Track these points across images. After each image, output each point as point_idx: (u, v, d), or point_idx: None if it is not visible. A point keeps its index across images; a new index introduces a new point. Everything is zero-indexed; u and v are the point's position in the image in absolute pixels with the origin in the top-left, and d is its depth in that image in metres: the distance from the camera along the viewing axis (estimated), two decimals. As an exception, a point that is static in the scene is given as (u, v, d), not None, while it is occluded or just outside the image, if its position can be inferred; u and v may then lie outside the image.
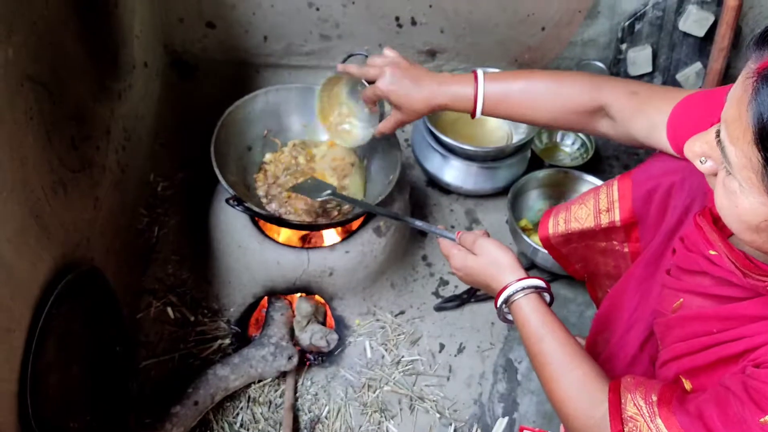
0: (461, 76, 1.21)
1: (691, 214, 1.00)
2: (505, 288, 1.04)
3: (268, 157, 1.55)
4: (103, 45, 1.42)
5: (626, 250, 1.16)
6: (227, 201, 1.29)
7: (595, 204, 1.16)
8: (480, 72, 1.19)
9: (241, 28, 1.92)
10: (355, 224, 1.49)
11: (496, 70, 1.51)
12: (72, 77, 1.24)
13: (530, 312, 1.01)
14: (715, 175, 0.75)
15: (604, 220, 1.14)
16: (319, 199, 1.36)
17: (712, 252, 0.87)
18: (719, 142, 0.71)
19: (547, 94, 1.14)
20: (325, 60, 2.02)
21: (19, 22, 1.01)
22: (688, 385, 0.90)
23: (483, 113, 1.19)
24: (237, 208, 1.28)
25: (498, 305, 1.05)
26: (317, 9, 1.87)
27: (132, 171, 1.58)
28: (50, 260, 1.11)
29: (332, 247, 1.44)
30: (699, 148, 0.76)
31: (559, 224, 1.23)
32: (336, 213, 1.47)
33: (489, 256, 1.08)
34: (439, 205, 1.79)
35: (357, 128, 1.46)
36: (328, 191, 1.36)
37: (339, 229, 1.53)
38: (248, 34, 1.93)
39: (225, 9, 1.87)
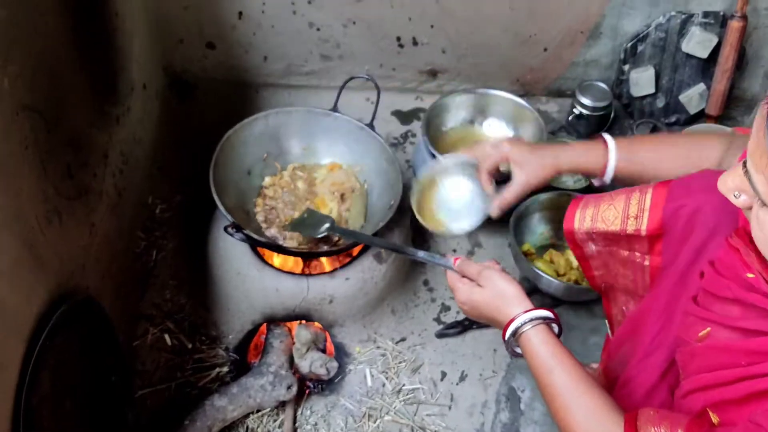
0: (587, 143, 1.23)
1: (718, 236, 0.98)
2: (512, 320, 1.01)
3: (267, 181, 1.53)
4: (101, 70, 1.41)
5: (647, 263, 1.13)
6: (226, 229, 1.27)
7: (625, 207, 1.12)
8: (611, 141, 1.20)
9: (241, 48, 1.90)
10: (355, 250, 1.47)
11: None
12: (69, 104, 1.22)
13: (539, 344, 0.99)
14: (750, 208, 0.74)
15: (631, 227, 1.11)
16: (319, 236, 1.34)
17: (749, 275, 0.85)
18: (746, 172, 0.72)
19: (677, 155, 1.15)
20: (326, 80, 2.01)
21: (16, 52, 1.00)
22: (715, 419, 0.87)
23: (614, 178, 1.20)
24: (236, 236, 1.26)
25: (506, 338, 1.03)
26: (318, 29, 1.86)
27: (129, 194, 1.56)
28: (44, 291, 1.09)
29: (332, 273, 1.42)
30: (732, 182, 0.76)
31: (585, 220, 1.19)
32: (336, 238, 1.45)
33: (495, 288, 1.06)
34: (441, 228, 1.77)
35: (463, 212, 1.34)
36: (327, 225, 1.34)
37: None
38: (248, 54, 1.92)
39: (225, 29, 1.85)
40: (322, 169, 1.56)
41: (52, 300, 1.11)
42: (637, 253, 1.12)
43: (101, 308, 1.31)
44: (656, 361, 1.03)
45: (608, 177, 1.20)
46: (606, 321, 1.34)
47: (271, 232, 1.44)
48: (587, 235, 1.19)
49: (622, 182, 1.21)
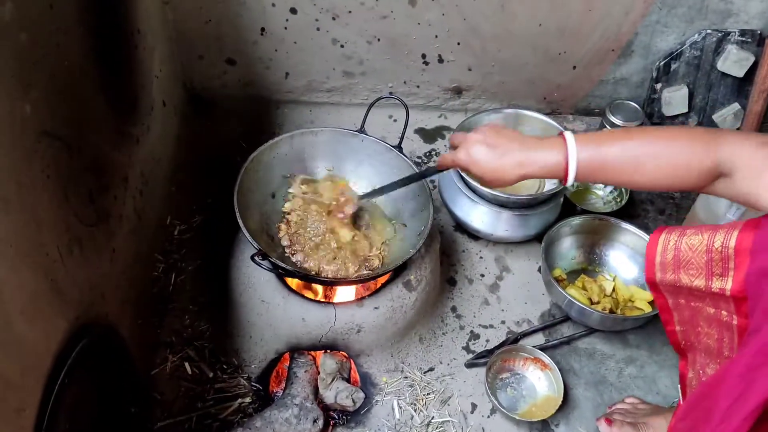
0: (549, 140, 1.10)
1: None
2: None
3: (286, 206, 1.47)
4: (122, 89, 1.36)
5: (735, 322, 1.02)
6: (253, 258, 1.21)
7: (708, 263, 1.02)
8: (570, 137, 1.07)
9: (262, 64, 1.86)
10: (384, 278, 1.41)
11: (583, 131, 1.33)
12: (91, 127, 1.18)
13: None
14: None
15: (716, 285, 1.01)
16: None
17: None
18: None
19: (651, 156, 1.03)
20: (348, 97, 1.96)
21: (38, 77, 0.95)
22: None
23: (576, 180, 1.08)
24: (263, 266, 1.21)
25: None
26: (342, 46, 1.81)
27: (149, 216, 1.51)
28: (64, 325, 1.04)
29: (360, 302, 1.36)
30: None
31: (667, 271, 1.09)
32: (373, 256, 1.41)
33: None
34: (468, 251, 1.71)
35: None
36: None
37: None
38: (269, 70, 1.87)
39: (246, 45, 1.81)
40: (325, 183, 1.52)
41: (72, 333, 1.06)
42: (724, 312, 1.03)
43: (121, 339, 1.26)
44: (735, 424, 0.94)
45: (570, 180, 1.08)
46: (678, 387, 1.26)
47: (297, 257, 1.38)
48: (672, 286, 1.10)
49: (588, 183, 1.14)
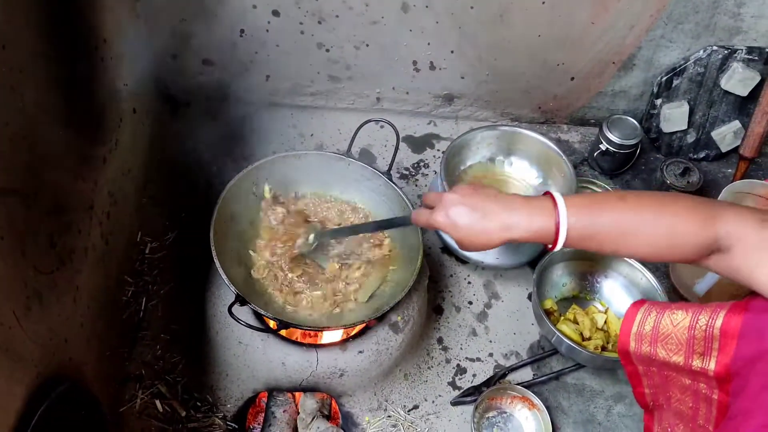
0: (537, 202, 1.01)
1: None
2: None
3: (260, 243, 1.37)
4: (86, 112, 1.24)
5: (715, 397, 0.98)
6: (230, 311, 1.12)
7: (689, 339, 0.97)
8: (560, 201, 0.99)
9: (242, 66, 1.73)
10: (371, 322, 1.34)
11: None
12: (50, 165, 1.06)
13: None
14: None
15: (696, 364, 0.97)
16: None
17: None
18: None
19: (645, 228, 0.96)
20: (332, 101, 1.85)
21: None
22: None
23: (564, 247, 1.00)
24: (240, 322, 1.12)
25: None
26: (327, 50, 1.69)
27: (117, 237, 1.40)
28: (22, 390, 0.94)
29: (344, 345, 1.29)
30: None
31: (643, 343, 1.04)
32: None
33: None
34: (456, 276, 1.64)
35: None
36: (312, 235, 1.32)
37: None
38: (249, 72, 1.75)
39: (224, 46, 1.68)
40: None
41: (31, 396, 0.97)
42: (703, 385, 0.99)
43: (85, 392, 1.17)
44: None
45: (558, 248, 1.01)
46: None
47: (277, 296, 1.29)
48: (646, 358, 1.05)
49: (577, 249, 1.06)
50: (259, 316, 1.29)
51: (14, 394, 0.93)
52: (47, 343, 1.05)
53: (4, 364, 0.89)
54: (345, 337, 1.32)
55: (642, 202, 0.97)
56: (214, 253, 1.17)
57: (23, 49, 0.94)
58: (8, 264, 0.90)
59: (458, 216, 1.02)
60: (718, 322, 0.93)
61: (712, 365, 0.94)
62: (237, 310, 1.15)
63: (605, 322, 1.54)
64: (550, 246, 1.01)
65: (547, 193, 1.02)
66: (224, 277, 1.15)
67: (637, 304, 1.06)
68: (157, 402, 1.36)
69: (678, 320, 0.99)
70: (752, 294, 0.93)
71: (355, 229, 1.31)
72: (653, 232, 0.95)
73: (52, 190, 1.07)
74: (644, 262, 1.53)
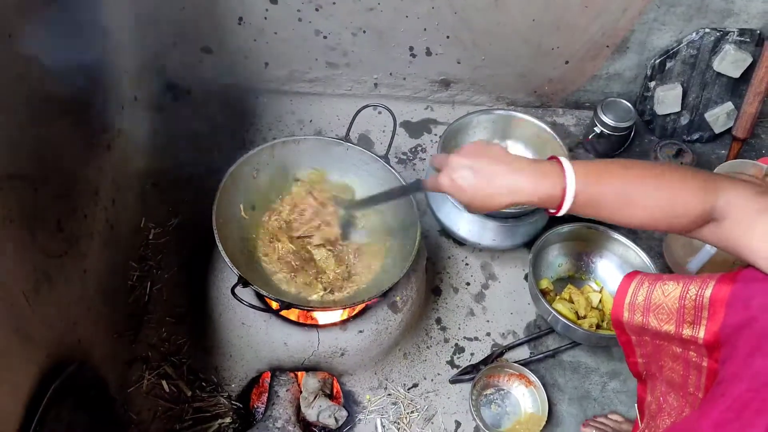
0: (544, 167, 1.00)
1: None
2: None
3: (262, 232, 1.40)
4: (89, 99, 1.27)
5: (705, 364, 1.01)
6: (233, 291, 1.15)
7: (680, 309, 1.00)
8: (568, 166, 0.99)
9: (241, 53, 1.75)
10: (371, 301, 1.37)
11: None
12: (57, 153, 1.09)
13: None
14: None
15: (686, 333, 1.00)
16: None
17: None
18: None
19: (647, 197, 0.97)
20: (331, 87, 1.87)
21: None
22: None
23: (567, 212, 1.01)
24: (243, 302, 1.15)
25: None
26: (325, 37, 1.71)
27: (122, 223, 1.44)
28: (34, 369, 0.98)
29: (344, 325, 1.32)
30: None
31: (635, 313, 1.07)
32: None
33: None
34: (454, 257, 1.67)
35: None
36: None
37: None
38: (248, 60, 1.77)
39: (223, 34, 1.70)
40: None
41: (42, 376, 1.00)
42: (693, 353, 1.03)
43: (93, 373, 1.20)
44: None
45: (562, 213, 1.01)
46: (636, 405, 1.25)
47: (279, 277, 1.33)
48: (638, 328, 1.09)
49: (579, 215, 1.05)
50: (261, 299, 1.32)
51: (27, 373, 0.96)
52: (57, 325, 1.08)
53: (16, 344, 0.92)
54: (346, 317, 1.35)
55: (645, 172, 0.99)
56: (216, 237, 1.20)
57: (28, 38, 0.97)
58: (18, 247, 0.93)
59: (463, 180, 1.02)
60: (708, 292, 0.96)
61: (701, 333, 0.98)
62: (240, 291, 1.18)
63: (600, 301, 1.57)
64: (552, 211, 1.02)
65: (553, 158, 1.02)
66: (227, 259, 1.18)
67: (631, 276, 1.09)
68: (164, 382, 1.40)
69: (669, 291, 1.02)
70: (742, 267, 0.96)
71: (373, 200, 1.31)
72: (655, 202, 0.97)
73: (59, 177, 1.10)
74: (638, 242, 1.57)
